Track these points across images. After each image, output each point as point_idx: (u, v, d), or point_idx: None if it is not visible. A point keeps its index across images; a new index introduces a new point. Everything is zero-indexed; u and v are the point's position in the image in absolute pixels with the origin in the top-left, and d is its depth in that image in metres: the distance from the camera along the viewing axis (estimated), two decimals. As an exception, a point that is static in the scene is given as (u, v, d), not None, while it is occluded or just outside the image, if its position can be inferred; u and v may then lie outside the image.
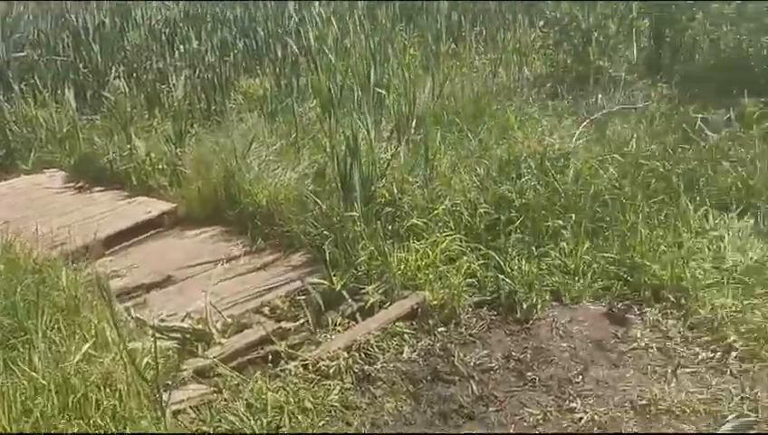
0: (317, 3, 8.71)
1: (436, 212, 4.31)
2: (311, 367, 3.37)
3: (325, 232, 4.30)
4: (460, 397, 3.19)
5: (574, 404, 3.08)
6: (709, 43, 6.23)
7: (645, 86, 6.27)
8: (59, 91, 7.00)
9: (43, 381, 2.90)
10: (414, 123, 5.39)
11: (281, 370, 3.38)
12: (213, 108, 6.60)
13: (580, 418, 2.99)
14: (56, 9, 9.02)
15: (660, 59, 6.88)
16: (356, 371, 3.37)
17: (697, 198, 4.40)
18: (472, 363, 3.40)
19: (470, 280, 3.92)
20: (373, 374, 3.35)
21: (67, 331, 3.29)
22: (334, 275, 3.96)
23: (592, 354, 3.42)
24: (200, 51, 7.74)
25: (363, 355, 3.48)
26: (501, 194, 4.42)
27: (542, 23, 7.91)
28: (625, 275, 3.92)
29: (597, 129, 5.26)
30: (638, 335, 3.52)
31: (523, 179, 4.48)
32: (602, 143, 5.00)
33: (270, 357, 3.49)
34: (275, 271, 4.34)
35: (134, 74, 7.34)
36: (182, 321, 3.70)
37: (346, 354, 3.43)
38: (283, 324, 3.71)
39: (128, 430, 2.80)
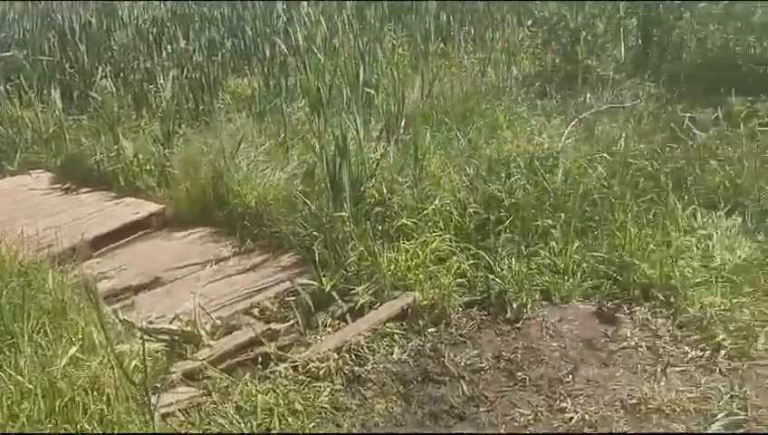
0: (305, 2, 8.69)
1: (425, 212, 4.30)
2: (300, 368, 3.35)
3: (314, 232, 4.28)
4: (451, 397, 3.18)
5: (565, 404, 3.08)
6: (696, 42, 6.27)
7: (633, 85, 6.29)
8: (45, 92, 6.96)
9: (30, 386, 2.87)
10: (403, 123, 5.38)
11: (270, 371, 3.36)
12: (201, 108, 6.56)
13: (571, 417, 2.99)
14: (42, 9, 8.95)
15: (648, 58, 6.91)
16: (346, 372, 3.36)
17: (686, 197, 4.41)
18: (462, 364, 3.39)
19: (460, 280, 3.91)
20: (363, 375, 3.34)
21: (53, 334, 3.25)
22: (324, 276, 3.95)
23: (582, 354, 3.42)
24: (188, 50, 7.70)
25: (353, 356, 3.46)
26: (490, 193, 4.42)
27: (530, 22, 7.94)
28: (614, 274, 3.92)
29: (585, 128, 5.28)
30: (628, 334, 3.52)
31: (513, 179, 4.48)
32: (591, 142, 5.01)
33: (259, 359, 3.47)
34: (264, 272, 4.32)
35: (121, 74, 7.30)
36: (170, 323, 3.67)
37: (336, 356, 3.42)
38: (273, 326, 3.69)
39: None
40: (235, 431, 2.97)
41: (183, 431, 2.98)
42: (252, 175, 5.01)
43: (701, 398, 3.04)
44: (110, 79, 6.89)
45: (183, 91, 6.73)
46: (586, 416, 2.99)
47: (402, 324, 3.70)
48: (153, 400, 2.89)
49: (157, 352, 3.40)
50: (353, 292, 3.85)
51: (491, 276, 3.91)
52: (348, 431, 3.03)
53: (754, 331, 3.40)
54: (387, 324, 3.68)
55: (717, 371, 3.22)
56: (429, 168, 4.75)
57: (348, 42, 7.22)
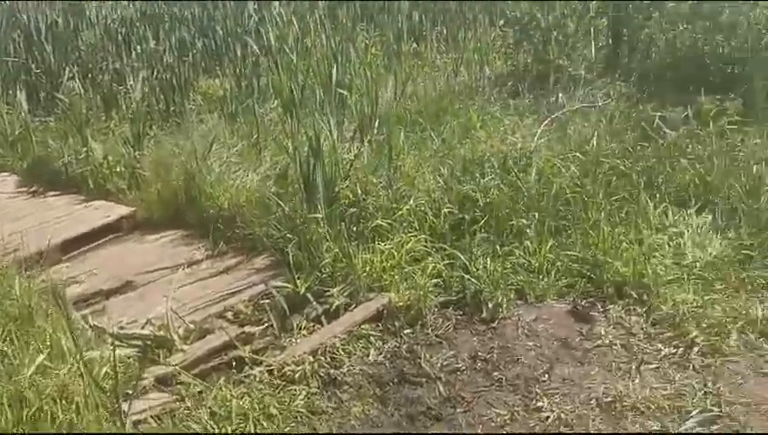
0: (277, 3, 8.64)
1: (400, 213, 4.28)
2: (276, 372, 3.30)
3: (288, 234, 4.24)
4: (427, 399, 3.17)
5: (541, 403, 3.08)
6: (665, 41, 6.34)
7: (604, 85, 6.34)
8: (10, 93, 6.81)
9: (-4, 396, 2.79)
10: (377, 123, 5.36)
11: (245, 376, 3.32)
12: (172, 109, 6.49)
13: (547, 417, 3.00)
14: (6, 8, 8.78)
15: (618, 58, 6.98)
16: (322, 375, 3.32)
17: (657, 196, 4.45)
18: (438, 365, 3.38)
19: (435, 280, 3.90)
20: (339, 378, 3.31)
21: (20, 342, 3.18)
22: (298, 278, 3.91)
23: (558, 353, 3.43)
24: (158, 51, 7.61)
25: (329, 359, 3.43)
26: (465, 194, 4.42)
27: (502, 22, 7.97)
28: (588, 273, 3.94)
29: (558, 127, 5.31)
30: (603, 333, 3.54)
31: (487, 179, 4.48)
32: (563, 142, 5.03)
33: (234, 363, 3.42)
34: (238, 275, 4.27)
35: (89, 75, 7.18)
36: (142, 328, 3.61)
37: (311, 358, 3.38)
38: (247, 329, 3.64)
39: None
40: (209, 437, 2.93)
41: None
42: (224, 177, 4.96)
43: (675, 395, 3.06)
44: (77, 80, 6.80)
45: (153, 92, 6.64)
46: (562, 415, 3.00)
47: (378, 326, 3.68)
48: (124, 407, 2.83)
49: (128, 357, 3.34)
50: (328, 294, 3.81)
51: (466, 276, 3.91)
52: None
53: (726, 327, 3.44)
54: (362, 326, 3.65)
55: (691, 367, 3.24)
56: (404, 168, 4.74)
57: (320, 42, 7.19)
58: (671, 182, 4.61)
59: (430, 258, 4.00)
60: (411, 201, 4.36)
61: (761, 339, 3.39)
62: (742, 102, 5.24)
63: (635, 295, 3.75)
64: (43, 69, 7.32)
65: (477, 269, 3.92)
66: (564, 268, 3.99)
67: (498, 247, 4.09)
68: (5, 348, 3.12)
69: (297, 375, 3.28)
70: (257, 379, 3.27)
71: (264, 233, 4.44)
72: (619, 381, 3.17)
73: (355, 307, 3.76)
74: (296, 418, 3.08)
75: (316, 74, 6.09)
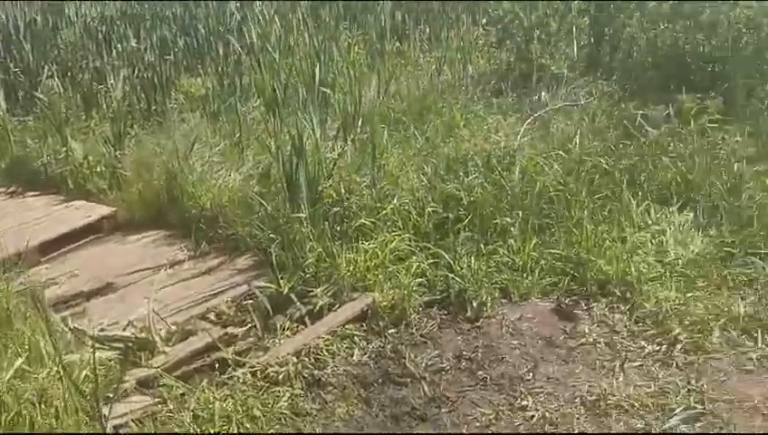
0: (259, 2, 8.58)
1: (384, 212, 4.27)
2: (259, 374, 3.28)
3: (271, 234, 4.21)
4: (412, 399, 3.16)
5: (526, 402, 3.08)
6: (647, 40, 6.37)
7: (586, 83, 6.36)
8: (-12, 92, 6.70)
9: (-27, 400, 2.74)
10: (360, 122, 5.34)
11: (228, 377, 3.28)
12: (153, 108, 6.42)
13: (532, 416, 3.00)
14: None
15: (600, 56, 7.01)
16: (306, 376, 3.30)
17: (639, 194, 4.47)
18: (423, 364, 3.37)
19: (420, 280, 3.88)
20: (323, 379, 3.29)
21: (-2, 345, 3.12)
22: (281, 278, 3.88)
23: (542, 351, 3.43)
24: (139, 49, 7.52)
25: (313, 360, 3.40)
26: (449, 192, 4.41)
27: (484, 21, 7.98)
28: (572, 271, 3.95)
29: (541, 126, 5.32)
30: (586, 331, 3.54)
31: (471, 177, 4.48)
32: (546, 140, 5.05)
33: (217, 365, 3.38)
34: (221, 275, 4.23)
35: (69, 74, 7.08)
36: (124, 330, 3.57)
37: (295, 359, 3.36)
38: (230, 330, 3.62)
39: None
40: (191, 440, 2.89)
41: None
42: (206, 176, 4.92)
43: (659, 392, 3.07)
44: (57, 78, 6.71)
45: (134, 91, 6.57)
46: (547, 414, 3.00)
47: (362, 326, 3.66)
48: (105, 410, 2.79)
49: (109, 360, 3.30)
50: (312, 294, 3.79)
51: (450, 275, 3.90)
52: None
53: (709, 324, 3.46)
54: (346, 326, 3.63)
55: (674, 365, 3.26)
56: (387, 167, 4.72)
57: (303, 41, 7.15)
58: (653, 180, 4.64)
59: (414, 257, 3.99)
60: (395, 200, 4.35)
61: (743, 336, 3.41)
62: (722, 101, 5.27)
63: (618, 293, 3.77)
64: (21, 67, 7.21)
65: (461, 268, 3.91)
66: (548, 266, 4.00)
67: (482, 246, 4.09)
68: (-17, 352, 3.06)
69: (281, 376, 3.26)
70: (240, 380, 3.24)
71: (247, 233, 4.41)
72: (604, 380, 3.18)
73: (339, 307, 3.74)
74: (280, 419, 3.05)
75: (299, 73, 6.06)
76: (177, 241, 4.68)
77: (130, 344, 3.43)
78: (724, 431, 2.84)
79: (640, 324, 3.55)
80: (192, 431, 2.92)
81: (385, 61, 7.04)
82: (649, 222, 4.26)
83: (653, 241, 4.10)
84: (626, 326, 3.55)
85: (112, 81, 6.49)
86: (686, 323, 3.49)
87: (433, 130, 5.33)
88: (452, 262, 3.95)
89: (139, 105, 6.47)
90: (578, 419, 2.97)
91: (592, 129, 5.28)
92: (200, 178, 4.88)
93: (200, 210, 4.73)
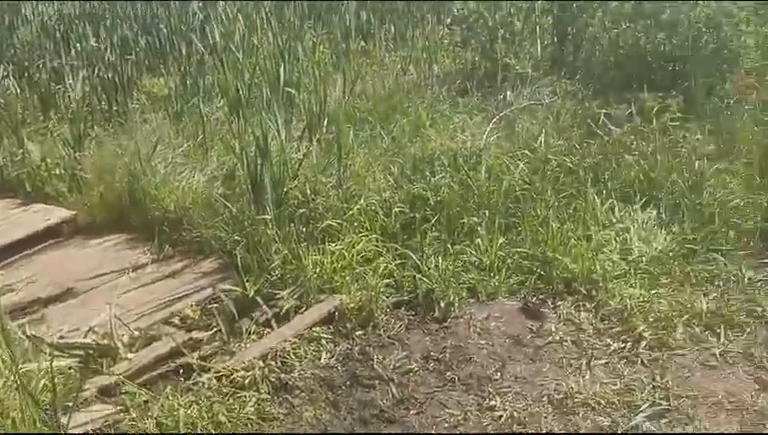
0: (222, 1, 8.46)
1: (351, 212, 4.24)
2: (225, 379, 3.22)
3: (236, 236, 4.16)
4: (380, 401, 3.13)
5: (494, 402, 3.08)
6: (609, 40, 6.44)
7: (550, 82, 6.40)
8: (-60, 92, 6.50)
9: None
10: (326, 122, 5.31)
11: (193, 383, 3.23)
12: (114, 109, 6.28)
13: (501, 416, 3.00)
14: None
15: (564, 56, 7.06)
16: (272, 380, 3.25)
17: (603, 192, 4.51)
18: (391, 366, 3.35)
19: (387, 281, 3.87)
20: (290, 383, 3.25)
21: (-48, 356, 3.02)
22: (247, 281, 3.83)
23: (510, 350, 3.44)
24: (99, 49, 7.36)
25: (280, 363, 3.36)
26: (415, 192, 4.41)
27: (449, 20, 7.99)
28: (538, 270, 3.97)
29: (506, 125, 5.34)
30: (553, 329, 3.56)
31: (437, 177, 4.48)
32: (512, 140, 5.06)
33: (181, 370, 3.33)
34: (185, 279, 4.16)
35: (26, 74, 6.90)
36: (84, 336, 3.48)
37: (261, 363, 3.31)
38: (195, 335, 3.55)
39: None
40: (155, 449, 2.83)
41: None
42: (170, 178, 4.83)
43: (625, 389, 3.10)
44: (12, 79, 6.53)
45: (95, 92, 6.43)
46: (515, 413, 3.01)
47: (329, 328, 3.63)
48: (63, 420, 2.71)
49: (69, 368, 3.22)
50: (278, 296, 3.74)
51: (418, 276, 3.89)
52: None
53: (672, 321, 3.50)
54: (313, 329, 3.60)
55: (639, 362, 3.29)
56: (353, 167, 4.70)
57: (267, 40, 7.08)
58: (617, 178, 4.68)
59: (381, 258, 3.97)
60: (362, 201, 4.33)
61: (706, 332, 3.46)
62: (683, 99, 5.36)
63: (584, 291, 3.79)
64: (-25, 68, 7.02)
65: (429, 268, 3.90)
66: (515, 265, 4.02)
67: (449, 246, 4.09)
68: (-65, 363, 2.96)
69: (247, 381, 3.21)
70: (206, 386, 3.19)
71: (212, 235, 4.34)
72: (570, 378, 3.20)
73: (306, 310, 3.71)
74: (246, 425, 3.01)
75: (263, 73, 6.00)
76: (139, 244, 4.59)
77: (91, 351, 3.35)
78: (689, 427, 2.87)
79: (606, 322, 3.58)
80: (156, 440, 2.86)
81: (350, 60, 7.01)
82: (614, 220, 4.30)
83: (617, 239, 4.14)
84: (592, 324, 3.58)
85: (71, 81, 6.35)
86: (651, 319, 3.52)
87: (399, 130, 5.32)
88: (419, 262, 3.94)
89: (99, 106, 6.33)
90: (545, 417, 2.98)
91: (557, 128, 5.32)
92: (163, 180, 4.79)
93: (163, 213, 4.64)
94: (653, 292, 3.72)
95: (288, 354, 3.42)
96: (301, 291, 3.78)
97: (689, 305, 3.60)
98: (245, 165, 4.35)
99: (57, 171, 5.37)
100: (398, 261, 3.98)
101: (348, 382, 3.27)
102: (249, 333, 3.58)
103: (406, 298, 3.84)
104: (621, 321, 3.56)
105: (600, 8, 6.60)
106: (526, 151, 4.80)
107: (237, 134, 4.78)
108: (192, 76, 6.56)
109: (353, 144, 4.94)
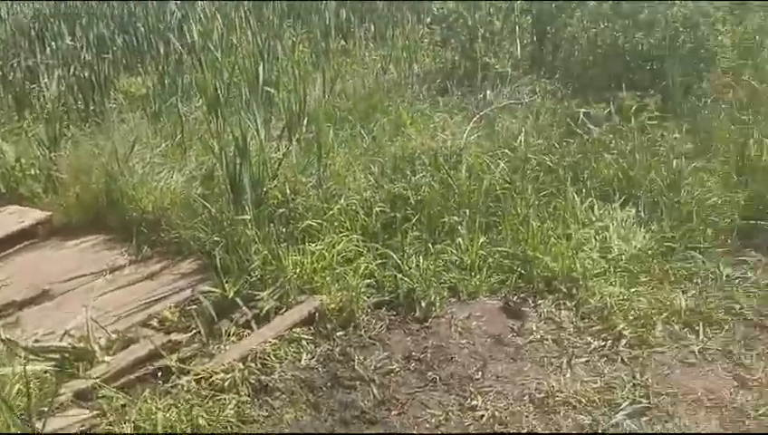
0: (200, 0, 8.39)
1: (331, 212, 4.22)
2: (204, 381, 3.19)
3: (215, 237, 4.12)
4: (361, 402, 3.12)
5: (475, 401, 3.08)
6: (587, 39, 6.47)
7: (530, 81, 6.42)
8: None
9: None
10: (305, 121, 5.28)
11: (172, 386, 3.19)
12: (91, 108, 6.21)
13: (482, 415, 2.99)
14: None
15: (543, 55, 7.09)
16: (252, 382, 3.22)
17: (583, 190, 4.53)
18: (372, 367, 3.33)
19: (368, 281, 3.85)
20: (271, 385, 3.22)
21: (-77, 360, 2.96)
22: (226, 282, 3.79)
23: (491, 350, 3.44)
24: (75, 48, 7.27)
25: (260, 365, 3.33)
26: (396, 192, 4.39)
27: (429, 20, 7.99)
28: (519, 269, 3.97)
29: (486, 124, 5.34)
30: (534, 328, 3.56)
31: (418, 176, 4.48)
32: (492, 139, 5.07)
33: (160, 373, 3.30)
34: (163, 280, 4.12)
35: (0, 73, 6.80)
36: (60, 340, 3.43)
37: (241, 365, 3.28)
38: (174, 337, 3.51)
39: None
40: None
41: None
42: (148, 178, 4.78)
43: (605, 388, 3.11)
44: (-14, 78, 6.42)
45: (71, 91, 6.35)
46: (496, 413, 3.00)
47: (310, 329, 3.61)
48: (38, 425, 2.66)
49: (45, 372, 3.16)
50: (258, 297, 3.71)
51: (399, 276, 3.87)
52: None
53: (652, 319, 3.52)
54: (294, 330, 3.57)
55: (619, 359, 3.30)
56: (334, 167, 4.67)
57: (246, 39, 7.03)
58: (596, 177, 4.70)
59: (362, 258, 3.95)
60: (342, 200, 4.31)
61: (685, 329, 3.49)
62: (661, 98, 5.40)
63: (564, 290, 3.80)
64: (-52, 67, 6.90)
65: (410, 268, 3.89)
66: (496, 264, 4.02)
67: (430, 245, 4.08)
68: None
69: (226, 383, 3.18)
70: (185, 389, 3.15)
71: (191, 236, 4.30)
72: (551, 376, 3.20)
73: (286, 311, 3.68)
74: (226, 428, 2.98)
75: (242, 72, 5.96)
76: (117, 246, 4.54)
77: (67, 355, 3.30)
78: (669, 425, 2.89)
79: (586, 320, 3.59)
80: (134, 444, 2.82)
81: (330, 59, 6.98)
82: (593, 218, 4.32)
83: (597, 237, 4.16)
84: (572, 322, 3.59)
85: (46, 80, 6.26)
86: (630, 317, 3.54)
87: (379, 129, 5.31)
88: (400, 262, 3.93)
89: (75, 105, 6.26)
90: (527, 417, 2.98)
91: (536, 127, 5.33)
92: (141, 181, 4.74)
93: (141, 213, 4.59)
94: (632, 290, 3.74)
95: (268, 356, 3.39)
96: (281, 292, 3.75)
97: (668, 303, 3.62)
98: (224, 165, 4.31)
99: (32, 172, 5.30)
100: (379, 261, 3.97)
101: (328, 384, 3.24)
102: (229, 335, 3.55)
103: (387, 298, 3.83)
104: (601, 319, 3.57)
105: (579, 8, 6.64)
106: (506, 150, 4.81)
107: (216, 134, 4.74)
108: (170, 75, 6.50)
109: (333, 143, 4.92)
